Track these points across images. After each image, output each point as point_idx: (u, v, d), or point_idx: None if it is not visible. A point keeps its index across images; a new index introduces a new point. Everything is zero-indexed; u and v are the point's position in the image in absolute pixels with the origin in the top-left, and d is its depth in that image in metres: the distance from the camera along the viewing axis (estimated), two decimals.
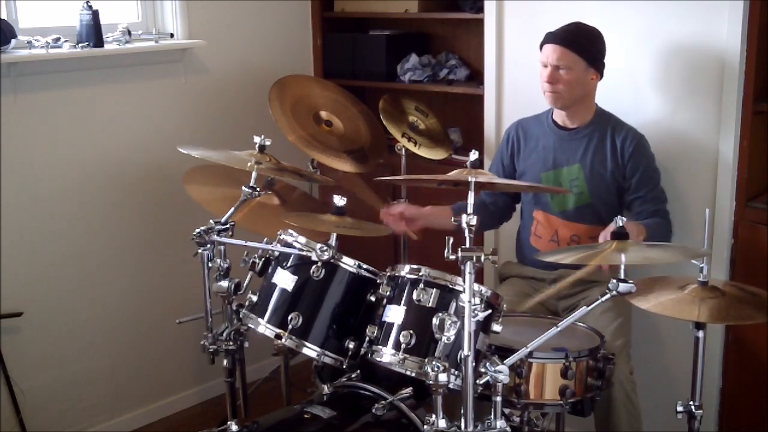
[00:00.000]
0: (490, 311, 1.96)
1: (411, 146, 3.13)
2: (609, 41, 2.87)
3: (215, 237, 2.27)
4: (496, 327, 2.05)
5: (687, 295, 1.98)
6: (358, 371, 2.26)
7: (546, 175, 2.75)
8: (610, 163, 2.66)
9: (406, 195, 3.24)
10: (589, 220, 2.69)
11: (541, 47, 2.67)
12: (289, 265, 2.24)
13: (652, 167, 2.67)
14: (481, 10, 3.24)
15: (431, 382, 1.87)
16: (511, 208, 2.96)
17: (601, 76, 2.67)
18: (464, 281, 1.84)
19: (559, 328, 1.91)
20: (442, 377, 1.86)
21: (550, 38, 2.64)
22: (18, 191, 2.95)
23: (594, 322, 2.41)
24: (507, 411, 2.15)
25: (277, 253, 2.27)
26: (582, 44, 2.62)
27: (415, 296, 2.07)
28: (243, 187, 2.39)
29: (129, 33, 3.13)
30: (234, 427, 2.23)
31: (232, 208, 2.35)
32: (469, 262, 1.83)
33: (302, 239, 2.24)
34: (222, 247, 2.30)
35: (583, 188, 2.69)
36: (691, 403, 2.04)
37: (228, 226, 2.30)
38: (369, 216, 2.52)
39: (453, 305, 2.02)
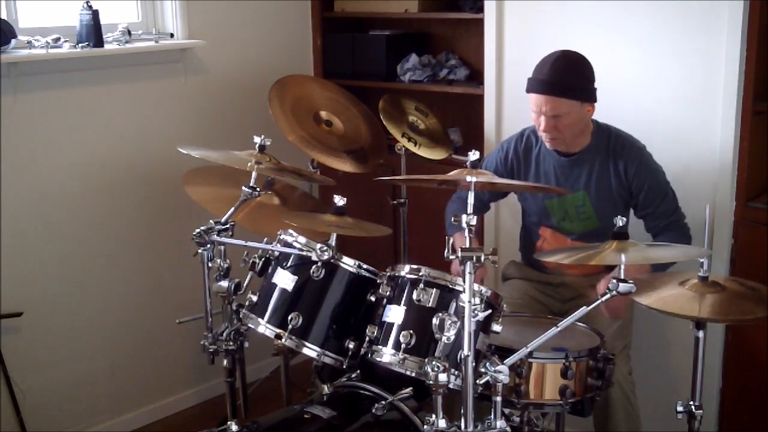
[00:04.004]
0: (490, 311, 1.96)
1: (411, 146, 3.13)
2: (608, 42, 2.87)
3: (215, 237, 2.27)
4: (496, 327, 2.05)
5: (687, 290, 1.97)
6: (358, 371, 2.26)
7: (550, 203, 2.69)
8: (614, 184, 2.60)
9: (406, 195, 3.24)
10: (599, 241, 2.63)
11: (528, 92, 2.52)
12: (289, 265, 2.24)
13: (658, 181, 2.59)
14: (481, 10, 3.24)
15: (431, 382, 1.86)
16: (488, 206, 2.98)
17: (596, 100, 2.54)
18: (464, 281, 1.84)
19: (559, 328, 1.91)
20: (442, 377, 1.86)
21: (539, 88, 2.47)
22: (18, 191, 2.95)
23: (595, 323, 2.41)
24: (507, 411, 2.15)
25: (277, 253, 2.27)
26: (573, 87, 2.47)
27: (415, 296, 2.07)
28: (243, 187, 2.39)
29: (129, 33, 3.13)
30: (234, 427, 2.23)
31: (232, 208, 2.35)
32: (469, 262, 1.83)
33: (302, 239, 2.24)
34: (222, 247, 2.30)
35: (590, 214, 2.64)
36: (691, 403, 2.04)
37: (228, 226, 2.30)
38: (369, 216, 2.52)
39: (453, 305, 2.02)
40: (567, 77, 2.47)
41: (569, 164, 2.64)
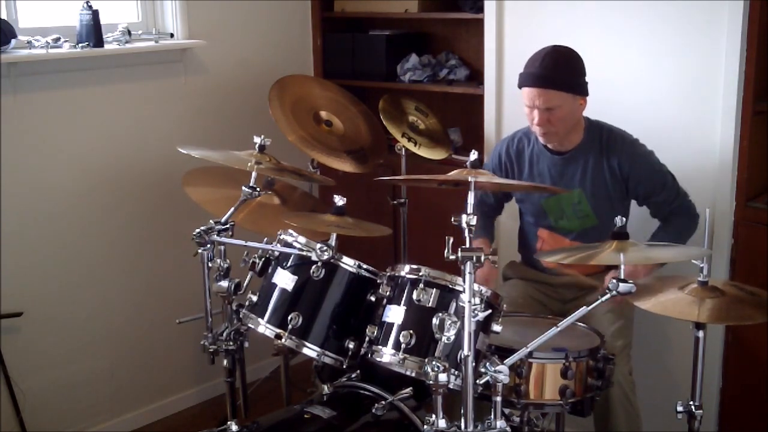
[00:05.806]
0: (490, 311, 1.96)
1: (411, 146, 3.13)
2: (608, 42, 2.87)
3: (215, 237, 2.27)
4: (496, 327, 2.05)
5: (687, 295, 1.97)
6: (358, 371, 2.26)
7: (547, 202, 2.68)
8: (609, 180, 2.59)
9: (406, 195, 3.24)
10: (598, 239, 2.63)
11: (520, 86, 2.54)
12: (289, 265, 2.24)
13: (654, 170, 2.60)
14: (481, 10, 3.24)
15: (431, 382, 1.86)
16: (501, 207, 2.94)
17: (588, 93, 2.56)
18: (464, 281, 1.84)
19: (559, 328, 1.91)
20: (442, 377, 1.85)
21: (532, 81, 2.49)
22: (18, 191, 2.95)
23: (595, 323, 2.41)
24: (507, 411, 2.15)
25: (277, 253, 2.27)
26: (565, 79, 2.48)
27: (415, 296, 2.06)
28: (243, 187, 2.39)
29: (129, 33, 3.13)
30: (234, 427, 2.23)
31: (232, 208, 2.35)
32: (469, 262, 1.83)
33: (302, 239, 2.24)
34: (222, 247, 2.30)
35: (587, 212, 2.64)
36: (691, 403, 2.04)
37: (228, 226, 2.30)
38: (369, 216, 2.52)
39: (453, 305, 2.02)
40: (558, 70, 2.48)
41: (563, 162, 2.64)
